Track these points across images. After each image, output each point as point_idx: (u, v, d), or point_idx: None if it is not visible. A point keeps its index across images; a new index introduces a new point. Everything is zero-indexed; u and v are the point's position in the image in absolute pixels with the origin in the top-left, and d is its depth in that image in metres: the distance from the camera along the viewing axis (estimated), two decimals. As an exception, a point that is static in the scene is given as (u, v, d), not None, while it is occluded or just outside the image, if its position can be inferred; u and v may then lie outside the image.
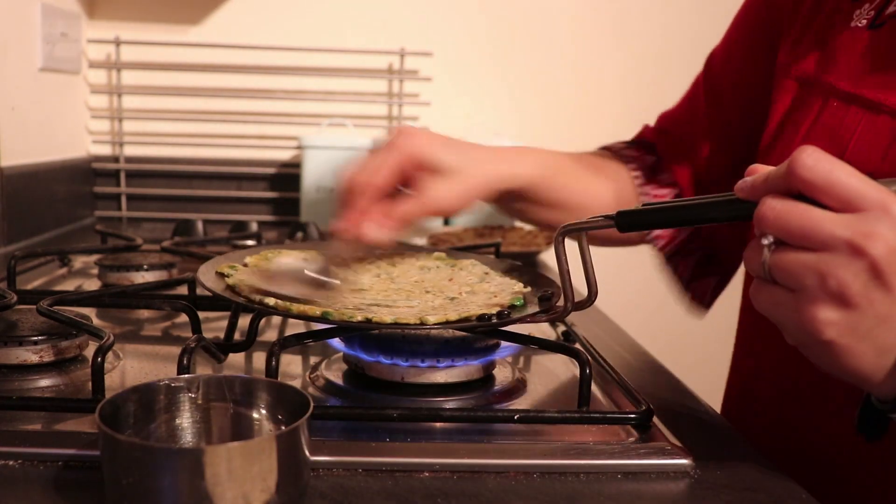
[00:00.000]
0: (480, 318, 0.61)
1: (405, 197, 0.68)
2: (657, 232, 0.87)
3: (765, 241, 0.47)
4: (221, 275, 0.70)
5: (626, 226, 0.54)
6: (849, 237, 0.44)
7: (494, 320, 0.61)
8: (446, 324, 0.59)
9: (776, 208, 0.46)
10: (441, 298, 0.67)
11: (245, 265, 0.73)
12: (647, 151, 0.89)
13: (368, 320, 0.59)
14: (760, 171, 0.48)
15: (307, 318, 0.60)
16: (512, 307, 0.64)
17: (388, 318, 0.59)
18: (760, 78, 0.79)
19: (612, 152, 0.90)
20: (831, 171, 0.44)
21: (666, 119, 0.92)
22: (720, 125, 0.85)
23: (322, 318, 0.59)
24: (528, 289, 0.69)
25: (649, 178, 0.86)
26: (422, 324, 0.58)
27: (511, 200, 0.78)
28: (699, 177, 0.85)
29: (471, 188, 0.70)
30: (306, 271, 0.67)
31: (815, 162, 0.45)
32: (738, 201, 0.49)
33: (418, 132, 0.70)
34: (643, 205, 0.54)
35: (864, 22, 0.67)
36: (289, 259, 0.72)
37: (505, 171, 0.73)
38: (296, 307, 0.60)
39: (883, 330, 0.45)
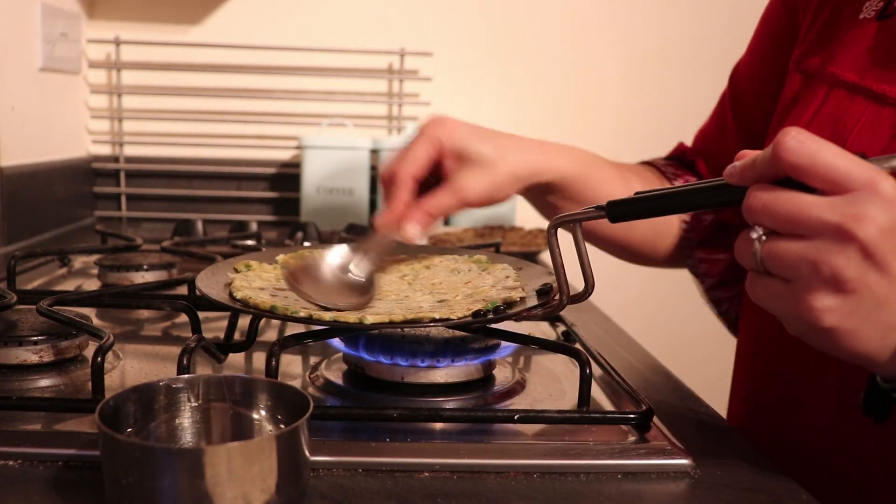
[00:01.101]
0: (475, 314, 0.60)
1: (438, 190, 0.67)
2: (704, 268, 0.86)
3: (754, 235, 0.47)
4: (236, 270, 0.71)
5: (617, 216, 0.53)
6: (836, 221, 0.43)
7: (490, 316, 0.60)
8: (390, 324, 0.58)
9: (762, 198, 0.45)
10: (432, 301, 0.66)
11: (275, 261, 0.74)
12: (688, 169, 0.89)
13: (310, 317, 0.59)
14: (749, 155, 0.47)
15: (259, 312, 0.60)
16: (495, 308, 0.62)
17: (328, 317, 0.59)
18: (783, 86, 0.79)
19: (654, 167, 0.89)
20: (816, 153, 0.44)
21: (700, 137, 0.91)
22: (750, 138, 0.85)
23: (269, 313, 0.60)
24: (524, 293, 0.68)
25: None
26: (359, 323, 0.58)
27: (544, 194, 0.75)
28: None
29: (503, 179, 0.68)
30: (344, 276, 0.66)
31: (799, 144, 0.44)
32: (728, 187, 0.48)
33: (449, 120, 0.68)
34: (634, 193, 0.53)
35: (873, 13, 0.66)
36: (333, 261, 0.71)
37: (539, 164, 0.71)
38: (252, 301, 0.61)
39: (884, 311, 0.45)
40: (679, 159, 0.91)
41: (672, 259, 0.89)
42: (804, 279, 0.45)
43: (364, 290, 0.65)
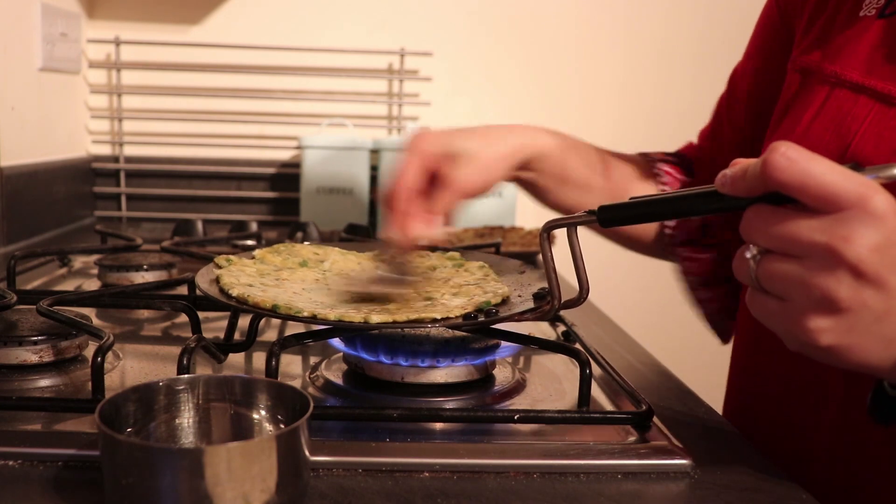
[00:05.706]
0: (465, 316, 0.61)
1: (436, 190, 0.71)
2: (688, 266, 0.87)
3: (748, 255, 0.46)
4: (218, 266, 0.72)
5: (608, 221, 0.53)
6: (826, 242, 0.43)
7: (481, 318, 0.61)
8: (393, 324, 0.59)
9: (755, 220, 0.45)
10: (419, 299, 0.66)
11: (252, 257, 0.75)
12: (684, 170, 0.89)
13: (314, 316, 0.59)
14: (741, 163, 0.47)
15: (259, 310, 0.61)
16: (487, 309, 0.63)
17: (333, 316, 0.59)
18: (779, 89, 0.79)
19: (648, 160, 0.89)
20: (805, 170, 0.43)
21: (701, 137, 0.92)
22: (745, 141, 0.85)
23: (271, 312, 0.60)
24: (509, 293, 0.68)
25: None
26: (365, 322, 0.58)
27: (528, 172, 0.79)
28: None
29: (491, 163, 0.73)
30: (379, 272, 0.70)
31: (789, 162, 0.43)
32: (719, 195, 0.47)
33: (430, 131, 0.73)
34: (630, 199, 0.53)
35: (874, 11, 0.66)
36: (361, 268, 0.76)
37: (519, 143, 0.76)
38: (251, 300, 0.62)
39: (885, 324, 0.44)
40: (682, 157, 0.91)
41: (655, 253, 0.90)
42: (797, 301, 0.44)
43: (400, 283, 0.69)
